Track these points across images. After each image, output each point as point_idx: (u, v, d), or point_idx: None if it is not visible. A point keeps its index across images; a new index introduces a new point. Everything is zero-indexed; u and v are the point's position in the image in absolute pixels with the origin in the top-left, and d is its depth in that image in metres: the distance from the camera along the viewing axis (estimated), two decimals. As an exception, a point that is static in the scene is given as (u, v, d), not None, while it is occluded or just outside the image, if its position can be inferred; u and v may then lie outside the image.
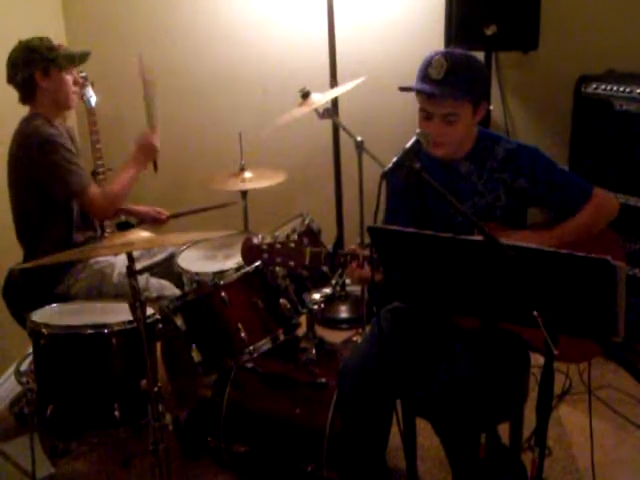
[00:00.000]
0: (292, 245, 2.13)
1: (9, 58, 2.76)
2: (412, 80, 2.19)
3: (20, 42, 2.76)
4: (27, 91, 2.79)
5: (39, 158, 2.66)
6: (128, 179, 2.81)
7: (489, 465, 2.03)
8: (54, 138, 2.69)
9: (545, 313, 1.55)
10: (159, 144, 2.91)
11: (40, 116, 2.75)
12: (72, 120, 3.15)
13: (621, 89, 3.14)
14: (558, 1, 3.49)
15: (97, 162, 3.16)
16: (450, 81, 2.08)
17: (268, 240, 2.14)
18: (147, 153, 2.90)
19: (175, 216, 3.30)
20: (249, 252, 2.16)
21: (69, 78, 2.82)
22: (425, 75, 2.11)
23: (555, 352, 1.51)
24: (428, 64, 2.12)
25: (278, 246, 2.13)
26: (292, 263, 2.14)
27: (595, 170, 3.24)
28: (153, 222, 3.21)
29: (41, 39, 2.77)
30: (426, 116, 2.15)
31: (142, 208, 3.21)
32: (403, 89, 2.17)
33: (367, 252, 2.09)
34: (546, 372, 1.60)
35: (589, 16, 3.58)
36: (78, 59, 2.85)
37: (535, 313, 1.54)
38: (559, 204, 2.23)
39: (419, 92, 2.14)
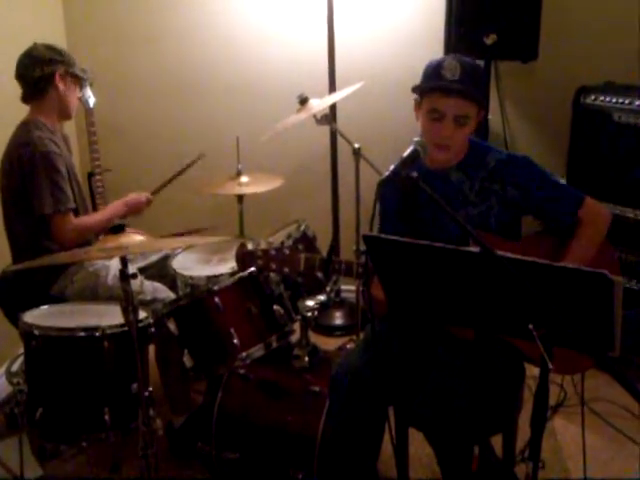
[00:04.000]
0: (286, 251, 2.12)
1: (28, 53, 2.78)
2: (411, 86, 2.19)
3: (38, 43, 2.79)
4: (39, 88, 2.79)
5: (29, 168, 2.66)
6: (103, 220, 2.90)
7: (482, 477, 2.02)
8: (52, 156, 2.69)
9: (541, 326, 1.54)
10: (145, 210, 3.09)
11: (41, 124, 2.76)
12: (70, 120, 3.13)
13: (620, 101, 3.14)
14: (558, 12, 3.48)
15: (94, 163, 3.14)
16: (465, 82, 2.09)
17: (263, 246, 2.13)
18: (131, 211, 3.03)
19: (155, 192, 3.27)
20: (243, 258, 2.15)
21: (76, 88, 2.88)
22: (438, 76, 2.10)
23: (550, 367, 1.50)
24: (439, 67, 2.11)
25: (273, 252, 2.12)
26: (286, 269, 2.13)
27: (593, 181, 3.24)
28: None
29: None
30: (437, 117, 2.13)
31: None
32: (417, 88, 2.17)
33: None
34: (541, 386, 1.59)
35: (589, 27, 3.58)
36: (87, 78, 2.96)
37: (531, 327, 1.53)
38: (550, 213, 2.22)
39: (438, 89, 2.11)
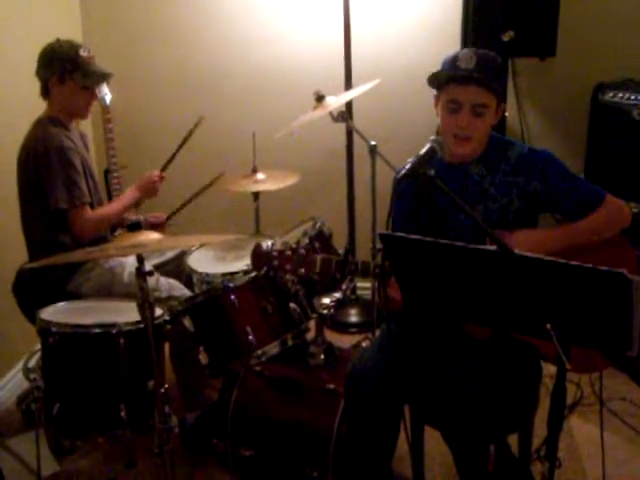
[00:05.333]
0: (302, 252, 2.11)
1: (42, 51, 2.78)
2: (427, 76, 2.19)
3: (57, 40, 2.78)
4: (44, 90, 2.82)
5: (44, 163, 2.68)
6: (119, 209, 2.93)
7: (498, 476, 2.01)
8: (66, 151, 2.71)
9: (558, 326, 1.53)
10: (159, 189, 3.05)
11: (56, 121, 2.77)
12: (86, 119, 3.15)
13: (639, 98, 3.11)
14: (576, 8, 3.46)
15: (111, 160, 3.15)
16: (482, 70, 2.09)
17: (278, 247, 2.13)
18: (147, 194, 3.02)
19: (172, 214, 3.28)
20: (259, 259, 2.15)
21: (84, 92, 2.82)
22: (455, 67, 2.11)
23: (568, 367, 1.49)
24: (455, 58, 2.12)
25: (288, 253, 2.11)
26: (302, 270, 2.12)
27: (611, 178, 3.22)
28: (152, 228, 3.20)
29: (72, 46, 2.78)
30: (455, 108, 2.13)
31: (139, 217, 3.19)
32: (432, 78, 2.16)
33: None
34: (558, 386, 1.58)
35: (607, 24, 3.56)
36: (96, 79, 2.85)
37: (548, 326, 1.51)
38: (571, 209, 2.21)
39: (454, 79, 2.12)
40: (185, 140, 3.25)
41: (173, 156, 3.23)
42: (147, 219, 3.18)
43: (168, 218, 3.26)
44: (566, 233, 2.17)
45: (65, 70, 2.76)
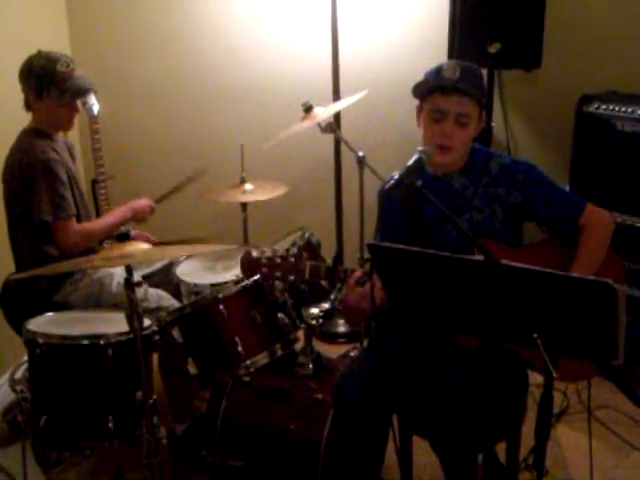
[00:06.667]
0: (292, 259, 2.12)
1: (22, 65, 2.77)
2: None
3: (38, 52, 2.76)
4: (26, 104, 2.82)
5: (29, 175, 2.67)
6: (108, 225, 2.90)
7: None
8: (51, 163, 2.70)
9: (545, 335, 1.54)
10: (149, 217, 3.08)
11: (41, 132, 2.77)
12: (74, 127, 3.14)
13: (623, 109, 3.14)
14: (561, 20, 3.49)
15: (98, 170, 3.15)
16: (465, 80, 2.12)
17: (268, 254, 2.13)
18: (136, 218, 3.03)
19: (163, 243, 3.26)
20: (249, 265, 2.15)
21: (63, 107, 2.78)
22: (439, 77, 2.14)
23: (555, 375, 1.50)
24: (439, 69, 2.15)
25: (278, 260, 2.12)
26: (292, 277, 2.13)
27: (596, 189, 3.24)
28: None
29: (49, 60, 2.73)
30: (439, 118, 2.15)
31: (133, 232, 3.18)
32: (418, 87, 2.18)
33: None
34: (545, 394, 1.59)
35: (591, 36, 3.59)
36: (73, 96, 2.79)
37: (535, 335, 1.53)
38: (553, 218, 2.23)
39: (439, 88, 2.14)
40: (181, 186, 3.25)
41: (170, 193, 3.23)
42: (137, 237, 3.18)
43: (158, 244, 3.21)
44: (580, 267, 2.13)
45: (42, 86, 2.73)
